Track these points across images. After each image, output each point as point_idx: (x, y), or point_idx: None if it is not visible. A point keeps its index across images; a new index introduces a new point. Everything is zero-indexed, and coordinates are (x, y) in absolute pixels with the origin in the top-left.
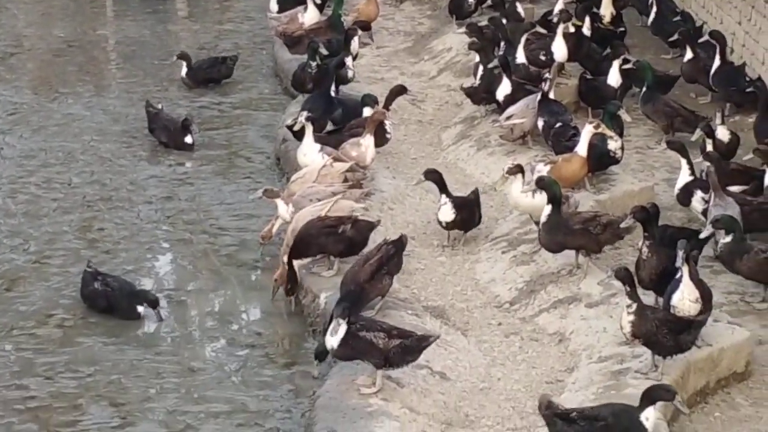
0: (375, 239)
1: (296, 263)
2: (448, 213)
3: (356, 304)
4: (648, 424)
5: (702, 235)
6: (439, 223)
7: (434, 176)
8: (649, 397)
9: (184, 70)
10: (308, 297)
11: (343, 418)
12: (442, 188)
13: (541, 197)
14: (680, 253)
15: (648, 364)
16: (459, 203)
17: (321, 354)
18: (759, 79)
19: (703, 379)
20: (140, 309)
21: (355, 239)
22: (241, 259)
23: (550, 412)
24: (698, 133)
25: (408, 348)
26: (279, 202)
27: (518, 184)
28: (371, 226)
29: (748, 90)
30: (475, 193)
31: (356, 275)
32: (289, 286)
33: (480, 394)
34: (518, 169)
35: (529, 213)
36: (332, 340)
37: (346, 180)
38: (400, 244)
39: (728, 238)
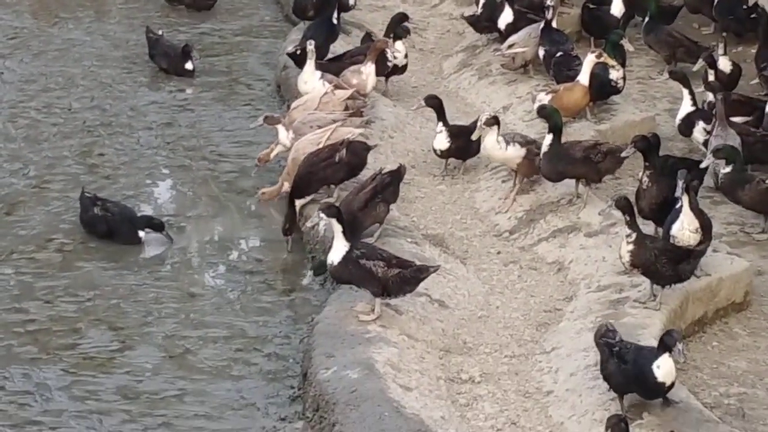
0: (376, 168)
1: (298, 203)
2: (442, 141)
3: (351, 232)
4: (659, 373)
5: (702, 165)
6: (434, 150)
7: (434, 102)
8: (662, 343)
9: None
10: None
11: (341, 343)
12: (440, 115)
13: (514, 149)
14: (680, 183)
15: (646, 294)
16: (455, 132)
17: (319, 268)
18: (756, 4)
19: (701, 309)
20: (141, 234)
21: (352, 162)
22: (240, 186)
23: (603, 341)
24: (700, 63)
25: (406, 278)
26: (280, 128)
27: (493, 135)
28: (366, 146)
29: (751, 16)
30: (476, 123)
31: (350, 204)
32: (287, 226)
33: (478, 321)
34: (494, 121)
35: (501, 163)
36: (333, 256)
37: (346, 108)
38: (397, 174)
39: (728, 168)
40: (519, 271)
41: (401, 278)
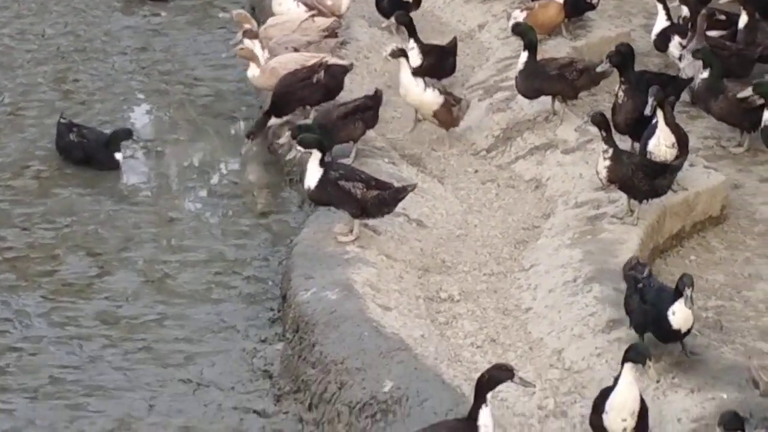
0: (353, 90)
1: (274, 120)
2: (414, 58)
3: (325, 138)
4: (674, 319)
5: (682, 65)
6: None
7: (404, 19)
8: (677, 288)
9: None
10: (285, 147)
11: (320, 265)
12: (411, 32)
13: (433, 94)
14: (650, 100)
15: (624, 209)
16: (427, 49)
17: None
18: None
19: (678, 223)
20: (118, 157)
21: (330, 85)
22: (217, 110)
23: (631, 273)
24: None
25: (385, 200)
26: (256, 43)
27: (406, 69)
28: (344, 69)
29: None
30: (453, 42)
31: (329, 113)
32: (253, 130)
33: (457, 240)
34: (401, 53)
35: (416, 107)
36: (309, 181)
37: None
38: (376, 98)
39: (706, 74)
40: (496, 189)
41: (380, 199)
